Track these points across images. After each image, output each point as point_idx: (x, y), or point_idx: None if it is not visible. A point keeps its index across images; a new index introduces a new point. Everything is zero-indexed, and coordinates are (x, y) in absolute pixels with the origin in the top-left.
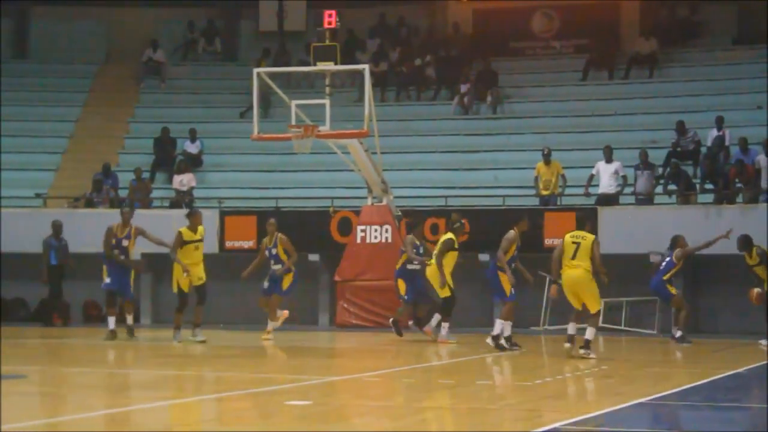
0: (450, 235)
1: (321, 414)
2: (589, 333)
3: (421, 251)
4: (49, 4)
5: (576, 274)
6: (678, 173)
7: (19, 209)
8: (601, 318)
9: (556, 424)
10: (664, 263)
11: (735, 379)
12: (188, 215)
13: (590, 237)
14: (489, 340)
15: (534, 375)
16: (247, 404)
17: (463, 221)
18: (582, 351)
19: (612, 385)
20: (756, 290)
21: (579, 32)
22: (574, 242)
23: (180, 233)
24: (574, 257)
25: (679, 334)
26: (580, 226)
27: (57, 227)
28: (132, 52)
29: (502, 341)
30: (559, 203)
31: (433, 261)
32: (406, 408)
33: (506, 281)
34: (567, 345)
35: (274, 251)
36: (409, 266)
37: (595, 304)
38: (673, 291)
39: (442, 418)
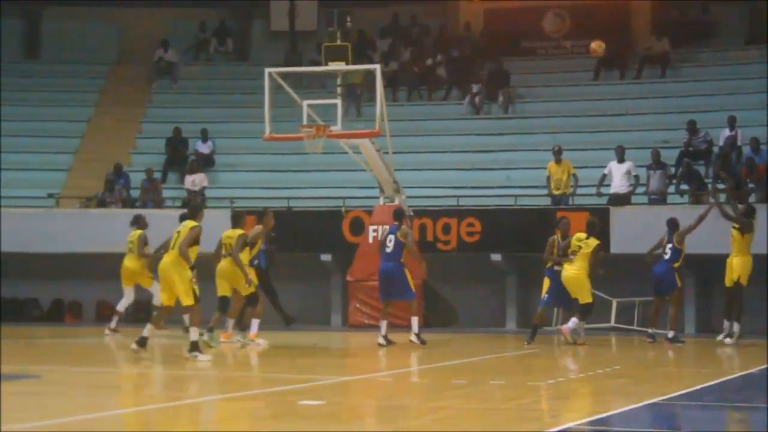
0: (596, 241)
1: (334, 414)
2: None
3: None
4: (60, 4)
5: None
6: (690, 173)
7: (32, 209)
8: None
9: (569, 425)
10: (668, 251)
11: (747, 379)
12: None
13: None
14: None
15: (547, 375)
16: (259, 404)
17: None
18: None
19: (624, 385)
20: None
21: (590, 32)
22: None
23: (244, 235)
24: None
25: (672, 334)
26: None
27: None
28: (144, 52)
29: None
30: (571, 203)
31: (574, 266)
32: (419, 408)
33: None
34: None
35: None
36: (556, 267)
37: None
38: (678, 283)
39: (454, 418)
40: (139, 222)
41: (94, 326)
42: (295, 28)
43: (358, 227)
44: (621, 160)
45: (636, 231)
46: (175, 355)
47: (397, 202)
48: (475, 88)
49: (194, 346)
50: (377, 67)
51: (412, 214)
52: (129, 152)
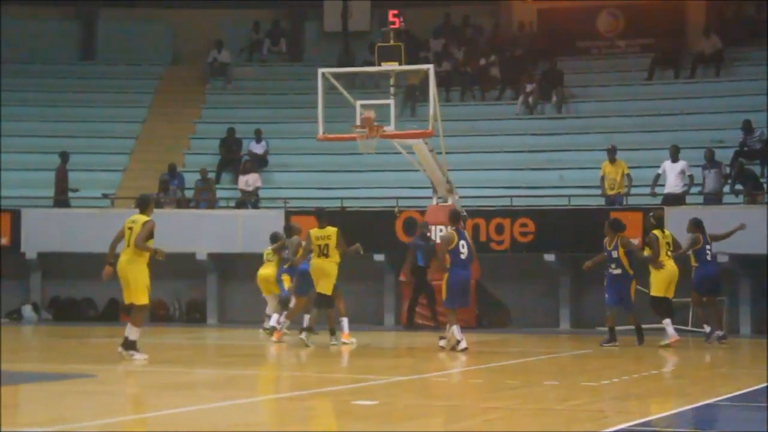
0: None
1: (387, 414)
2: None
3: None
4: (116, 6)
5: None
6: (745, 173)
7: (87, 209)
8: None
9: (623, 426)
10: (708, 252)
11: None
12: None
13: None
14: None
15: (600, 376)
16: (313, 404)
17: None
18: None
19: (679, 386)
20: None
21: (644, 31)
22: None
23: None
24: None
25: (721, 333)
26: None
27: (424, 227)
28: (198, 53)
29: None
30: (625, 203)
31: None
32: (472, 408)
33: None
34: None
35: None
36: (613, 271)
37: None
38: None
39: (508, 418)
40: (279, 237)
41: (147, 326)
42: (348, 28)
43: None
44: (675, 160)
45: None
46: (229, 355)
47: (450, 202)
48: (528, 87)
49: (131, 345)
50: (430, 67)
51: (465, 214)
52: (183, 153)
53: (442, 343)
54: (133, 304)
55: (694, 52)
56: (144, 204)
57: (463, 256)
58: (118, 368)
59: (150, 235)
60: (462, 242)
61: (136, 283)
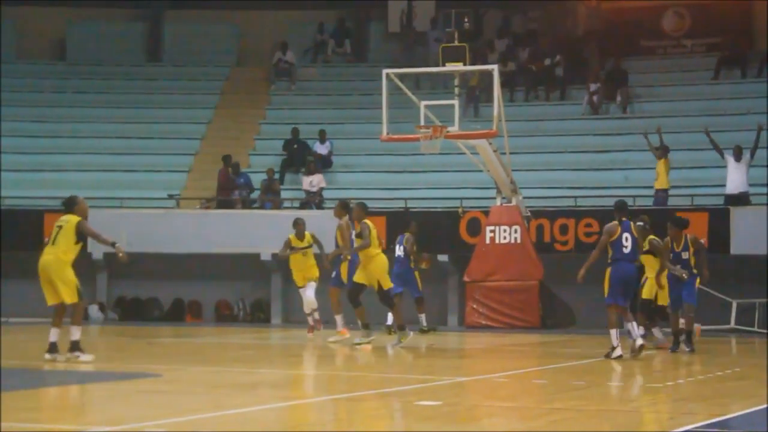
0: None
1: (451, 414)
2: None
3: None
4: (182, 7)
5: None
6: None
7: (153, 210)
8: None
9: (688, 427)
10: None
11: None
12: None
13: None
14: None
15: (665, 377)
16: (376, 404)
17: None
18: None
19: (746, 387)
20: None
21: (711, 30)
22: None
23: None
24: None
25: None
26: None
27: None
28: (263, 54)
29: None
30: (691, 203)
31: None
32: (536, 409)
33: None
34: None
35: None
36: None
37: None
38: None
39: (574, 419)
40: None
41: (213, 326)
42: (412, 29)
43: (476, 228)
44: (738, 159)
45: (756, 231)
46: (293, 355)
47: (514, 202)
48: (593, 87)
49: (75, 346)
50: (495, 68)
51: (529, 214)
52: (248, 153)
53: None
54: (64, 304)
55: (761, 51)
56: (71, 205)
57: (626, 249)
58: (184, 368)
59: (80, 237)
60: (626, 234)
61: (64, 283)
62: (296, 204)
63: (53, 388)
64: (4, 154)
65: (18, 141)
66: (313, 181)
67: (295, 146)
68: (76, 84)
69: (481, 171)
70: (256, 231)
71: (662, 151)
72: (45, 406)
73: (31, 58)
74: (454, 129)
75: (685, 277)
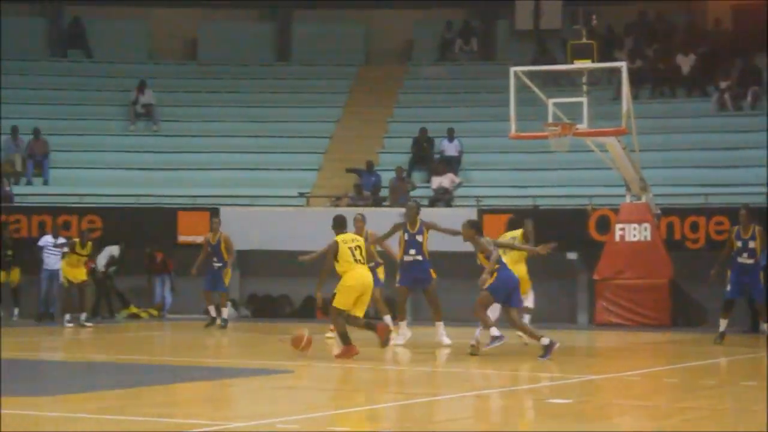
0: None
1: (582, 412)
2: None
3: None
4: (310, 7)
5: None
6: None
7: (284, 208)
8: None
9: None
10: None
11: None
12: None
13: None
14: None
15: None
16: (508, 402)
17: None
18: None
19: None
20: None
21: None
22: None
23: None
24: None
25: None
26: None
27: None
28: (391, 53)
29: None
30: None
31: None
32: (668, 408)
33: None
34: None
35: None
36: (745, 261)
37: None
38: None
39: (705, 418)
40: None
41: None
42: (540, 26)
43: (605, 226)
44: None
45: None
46: (423, 353)
47: (644, 200)
48: (723, 85)
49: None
50: (623, 65)
51: (659, 212)
52: (376, 152)
53: None
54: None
55: None
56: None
57: (753, 245)
58: (315, 364)
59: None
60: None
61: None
62: (424, 202)
63: (186, 383)
64: (137, 153)
65: (151, 140)
66: (444, 182)
67: (424, 144)
68: (207, 84)
69: (610, 168)
70: (386, 229)
71: None
72: (179, 401)
73: (163, 58)
74: (583, 126)
75: None
